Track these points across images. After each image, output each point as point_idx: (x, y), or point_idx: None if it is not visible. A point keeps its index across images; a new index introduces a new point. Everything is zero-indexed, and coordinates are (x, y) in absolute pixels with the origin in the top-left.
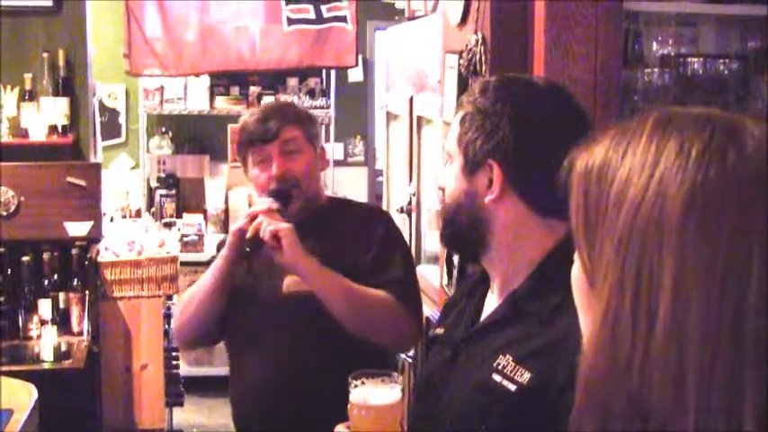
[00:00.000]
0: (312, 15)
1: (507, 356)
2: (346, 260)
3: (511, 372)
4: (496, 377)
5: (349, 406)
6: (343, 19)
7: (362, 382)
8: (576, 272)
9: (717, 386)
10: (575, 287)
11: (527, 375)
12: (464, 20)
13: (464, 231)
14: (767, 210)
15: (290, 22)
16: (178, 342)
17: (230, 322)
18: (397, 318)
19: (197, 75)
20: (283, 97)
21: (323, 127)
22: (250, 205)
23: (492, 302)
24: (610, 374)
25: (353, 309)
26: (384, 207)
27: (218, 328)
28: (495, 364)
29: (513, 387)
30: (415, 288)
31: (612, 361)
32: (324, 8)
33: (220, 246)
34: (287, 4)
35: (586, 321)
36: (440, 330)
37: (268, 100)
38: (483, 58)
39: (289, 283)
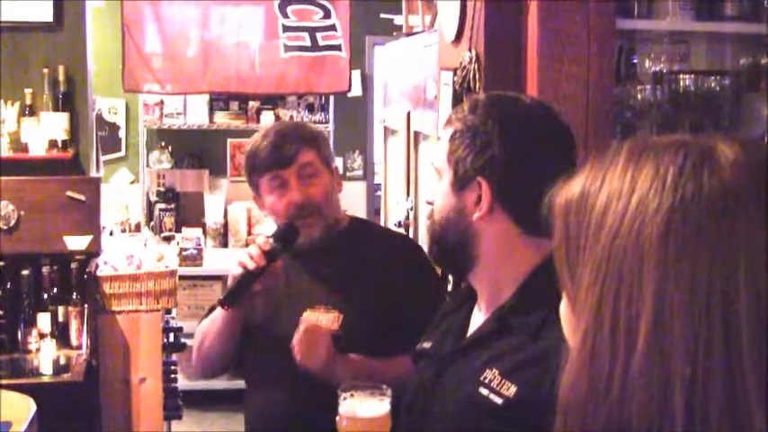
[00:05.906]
0: (308, 43)
1: (494, 370)
2: (368, 287)
3: (497, 385)
4: (483, 391)
5: (338, 418)
6: (338, 47)
7: (351, 395)
8: (563, 305)
9: (711, 398)
10: (562, 319)
11: (513, 389)
12: (458, 37)
13: (452, 247)
14: (747, 224)
15: (287, 49)
16: (199, 376)
17: (248, 353)
18: None
19: (196, 93)
20: (282, 112)
21: None
22: (249, 219)
23: (479, 318)
24: (589, 394)
25: None
26: (382, 221)
27: (233, 359)
28: (481, 378)
29: (499, 400)
30: None
31: (591, 381)
32: (319, 36)
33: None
34: (283, 32)
35: (571, 348)
36: (427, 345)
37: (267, 114)
38: (477, 75)
39: (308, 316)
